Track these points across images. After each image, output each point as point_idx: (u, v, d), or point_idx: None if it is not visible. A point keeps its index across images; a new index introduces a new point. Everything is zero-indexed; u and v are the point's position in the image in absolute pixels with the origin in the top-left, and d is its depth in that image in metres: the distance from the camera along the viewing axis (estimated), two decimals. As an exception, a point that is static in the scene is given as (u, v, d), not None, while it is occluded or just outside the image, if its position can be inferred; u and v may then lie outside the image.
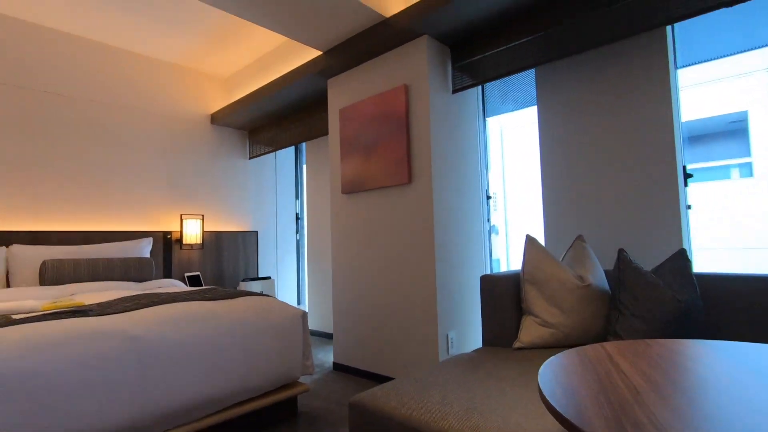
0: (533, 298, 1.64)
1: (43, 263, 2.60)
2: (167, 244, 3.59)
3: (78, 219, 3.16)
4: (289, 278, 4.60)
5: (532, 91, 2.56)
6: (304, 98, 3.50)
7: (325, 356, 3.25)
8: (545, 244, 2.39)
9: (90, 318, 1.57)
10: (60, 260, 2.65)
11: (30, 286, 2.55)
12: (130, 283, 2.80)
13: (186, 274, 3.63)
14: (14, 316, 1.66)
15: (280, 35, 3.01)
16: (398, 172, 2.52)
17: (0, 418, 1.22)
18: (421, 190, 2.44)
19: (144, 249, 3.20)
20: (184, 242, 3.61)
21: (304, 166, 4.72)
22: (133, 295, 2.08)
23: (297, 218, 4.75)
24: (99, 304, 1.86)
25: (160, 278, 3.47)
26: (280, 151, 4.52)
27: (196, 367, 1.66)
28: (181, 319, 1.69)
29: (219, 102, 4.10)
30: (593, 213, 2.19)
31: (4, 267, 2.60)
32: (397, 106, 2.53)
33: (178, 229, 3.69)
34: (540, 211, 2.48)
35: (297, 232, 4.73)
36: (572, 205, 2.27)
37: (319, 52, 2.95)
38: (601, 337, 1.57)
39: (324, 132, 3.48)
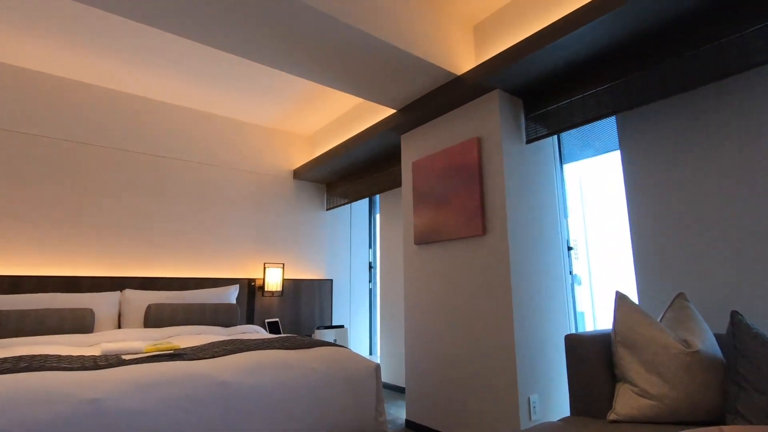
0: (628, 363, 1.48)
1: (148, 307, 2.91)
2: (251, 290, 3.84)
3: (178, 267, 3.52)
4: (362, 327, 4.62)
5: (614, 136, 2.45)
6: (379, 153, 3.68)
7: (398, 411, 3.15)
8: (639, 302, 2.17)
9: (184, 362, 1.70)
10: (161, 305, 2.95)
11: (136, 328, 2.85)
12: (218, 327, 3.01)
13: (266, 320, 3.82)
14: (124, 356, 1.85)
15: (358, 97, 3.25)
16: (471, 224, 2.50)
17: (107, 453, 1.35)
18: (496, 241, 2.39)
19: (231, 295, 3.45)
20: (266, 289, 3.83)
21: (378, 216, 4.87)
22: (222, 341, 2.23)
23: (370, 267, 4.84)
24: (192, 348, 2.02)
25: (244, 323, 3.69)
26: (354, 202, 4.72)
27: (274, 413, 1.71)
28: (262, 367, 1.77)
29: (301, 158, 4.45)
30: (696, 269, 1.97)
31: (117, 309, 2.95)
32: (470, 158, 2.56)
33: (261, 277, 3.93)
34: (628, 261, 2.29)
35: (370, 281, 4.80)
36: (669, 260, 2.07)
37: (393, 110, 3.13)
38: (717, 414, 1.35)
39: (397, 184, 3.60)
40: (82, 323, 2.58)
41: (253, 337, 2.58)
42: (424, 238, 2.82)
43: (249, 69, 3.16)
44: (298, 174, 4.31)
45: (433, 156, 2.84)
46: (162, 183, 3.55)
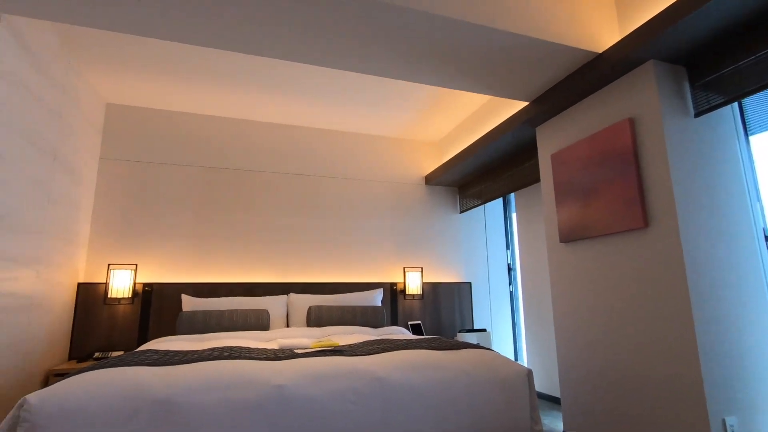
0: None
1: (309, 309, 3.29)
2: (393, 293, 4.03)
3: (329, 273, 3.90)
4: (504, 331, 4.45)
5: (827, 94, 1.92)
6: (511, 150, 3.53)
7: (552, 422, 2.94)
8: None
9: (345, 357, 1.88)
10: (320, 307, 3.30)
11: (300, 327, 3.25)
12: (367, 328, 3.24)
13: (409, 323, 3.96)
14: (296, 350, 2.13)
15: (487, 95, 3.19)
16: (628, 216, 2.21)
17: (288, 429, 1.56)
18: (663, 234, 2.07)
19: (376, 298, 3.68)
20: (407, 293, 3.99)
21: (514, 215, 4.66)
22: (373, 340, 2.40)
23: (509, 269, 4.64)
24: (350, 345, 2.22)
25: (389, 325, 3.88)
26: (488, 203, 4.61)
27: (428, 412, 1.76)
28: (416, 365, 1.85)
29: (432, 164, 4.54)
30: None
31: (286, 310, 3.40)
32: (622, 142, 2.28)
33: (402, 281, 4.11)
34: None
35: (510, 284, 4.61)
36: None
37: (525, 103, 2.98)
38: None
39: (534, 180, 3.40)
40: (261, 322, 3.05)
41: (399, 337, 2.70)
42: (570, 236, 2.60)
43: (374, 86, 3.36)
44: (430, 179, 4.39)
45: (575, 145, 2.61)
46: (312, 200, 3.99)
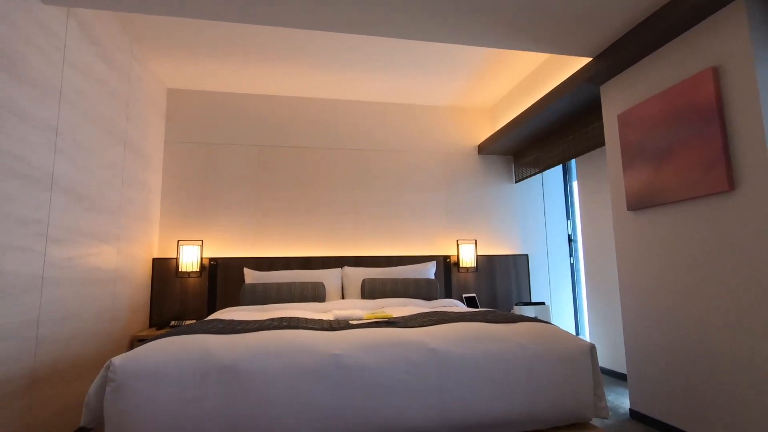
0: None
1: (363, 281, 3.35)
2: (447, 267, 3.99)
3: (382, 246, 3.93)
4: (564, 304, 4.28)
5: None
6: (572, 112, 3.28)
7: (617, 399, 2.81)
8: None
9: (399, 329, 1.89)
10: (373, 279, 3.35)
11: (354, 299, 3.32)
12: (420, 300, 3.24)
13: (464, 295, 3.92)
14: (351, 321, 2.18)
15: (542, 53, 2.96)
16: (709, 179, 1.98)
17: (345, 395, 1.61)
18: (752, 197, 1.83)
19: (430, 271, 3.66)
20: (460, 265, 3.93)
21: (575, 184, 4.38)
22: (427, 312, 2.39)
23: (570, 240, 4.41)
24: (403, 317, 2.23)
25: (443, 298, 3.87)
26: (546, 171, 4.36)
27: (485, 384, 1.74)
28: (470, 337, 1.82)
29: (484, 132, 4.35)
30: None
31: (340, 283, 3.49)
32: (702, 95, 2.03)
33: (455, 253, 4.05)
34: None
35: (570, 255, 4.39)
36: None
37: (588, 59, 2.73)
38: None
39: (597, 144, 3.15)
40: (317, 294, 3.15)
41: (453, 309, 2.68)
42: (639, 203, 2.39)
43: (422, 53, 3.23)
44: (483, 148, 4.23)
45: (645, 103, 2.36)
46: (364, 174, 4.00)
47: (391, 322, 2.05)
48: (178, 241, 3.48)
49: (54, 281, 2.07)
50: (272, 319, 2.13)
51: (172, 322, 3.25)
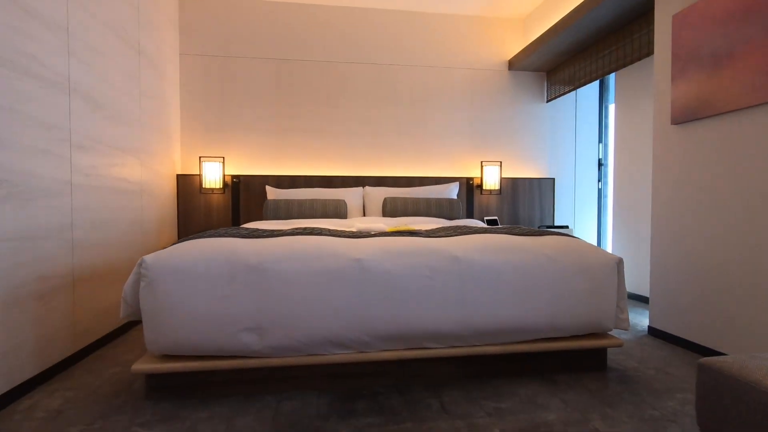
0: None
1: (385, 200, 3.33)
2: (469, 189, 3.92)
3: (403, 166, 3.85)
4: (589, 230, 4.21)
5: None
6: (614, 20, 2.95)
7: (635, 318, 2.84)
8: None
9: (421, 239, 1.88)
10: (395, 198, 3.33)
11: (376, 216, 3.33)
12: (442, 219, 3.23)
13: (485, 218, 3.88)
14: (372, 233, 2.18)
15: (592, -55, 2.59)
16: (774, 83, 1.78)
17: (367, 298, 1.64)
18: (821, 103, 1.64)
19: (452, 192, 3.61)
20: (484, 188, 3.85)
21: (611, 106, 4.10)
22: (450, 226, 2.37)
23: (599, 164, 4.23)
24: (426, 231, 2.22)
25: (465, 219, 3.85)
26: (581, 89, 4.07)
27: (507, 292, 1.75)
28: (494, 248, 1.80)
29: (516, 46, 4.02)
30: None
31: (362, 201, 3.49)
32: (780, -16, 1.75)
33: (479, 176, 3.95)
34: None
35: (599, 180, 4.23)
36: None
37: (645, -51, 2.38)
38: None
39: (642, 55, 2.86)
40: (338, 210, 3.17)
41: (477, 225, 2.65)
42: (686, 115, 2.21)
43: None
44: (513, 64, 3.93)
45: (705, 1, 2.08)
46: (387, 90, 3.81)
47: (413, 233, 2.04)
48: (200, 157, 3.47)
49: (82, 188, 2.11)
50: (296, 228, 2.15)
51: (200, 237, 3.35)
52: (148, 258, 1.59)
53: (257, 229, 2.12)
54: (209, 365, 1.60)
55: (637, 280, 3.36)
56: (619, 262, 1.88)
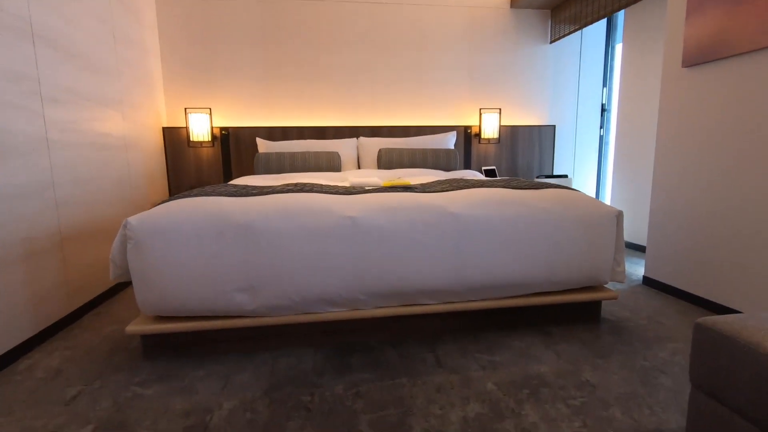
0: None
1: (380, 151, 3.23)
2: (467, 137, 3.80)
3: (399, 115, 3.70)
4: (588, 178, 4.15)
5: None
6: (633, -55, 2.69)
7: (631, 268, 2.85)
8: None
9: (416, 194, 1.81)
10: (390, 149, 3.22)
11: (371, 169, 3.24)
12: (439, 171, 3.15)
13: (483, 167, 3.80)
14: (366, 188, 2.11)
15: None
16: (799, 20, 1.63)
17: (361, 255, 1.61)
18: None
19: (449, 141, 3.49)
20: (482, 137, 3.73)
21: (618, 47, 3.87)
22: (446, 179, 2.30)
23: (603, 110, 4.07)
24: (421, 185, 2.15)
25: (462, 169, 3.76)
26: (587, 30, 3.82)
27: (504, 247, 1.71)
28: (491, 202, 1.74)
29: (520, -20, 3.72)
30: None
31: (356, 153, 3.38)
32: None
33: (477, 124, 3.81)
34: None
35: (601, 127, 4.10)
36: None
37: None
38: None
39: (658, -13, 2.64)
40: (332, 163, 3.07)
41: (474, 178, 2.58)
42: (699, 56, 2.06)
43: None
44: (516, 1, 3.65)
45: None
46: (380, 32, 3.57)
47: (408, 188, 1.97)
48: (186, 108, 3.31)
49: (60, 144, 2.00)
50: (287, 185, 2.08)
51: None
52: (133, 219, 1.53)
53: (246, 186, 2.05)
54: (204, 325, 1.60)
55: (635, 230, 3.34)
56: (619, 215, 1.83)
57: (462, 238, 1.68)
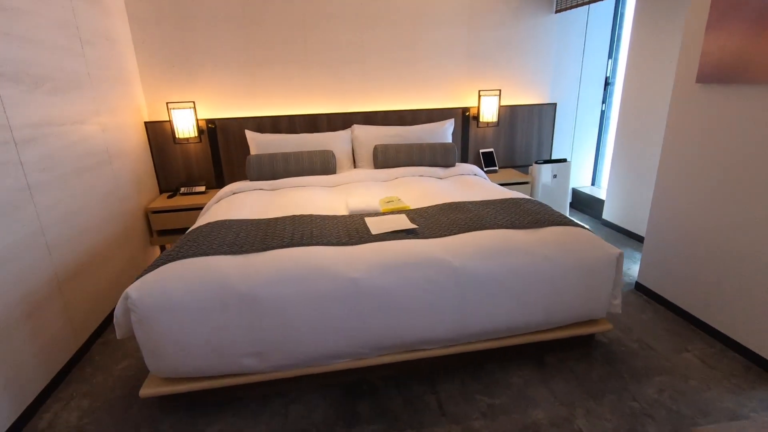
0: None
1: (375, 148, 3.11)
2: (465, 120, 3.65)
3: (394, 99, 3.51)
4: (586, 156, 4.08)
5: None
6: None
7: (626, 264, 2.89)
8: None
9: (420, 242, 1.79)
10: (386, 146, 3.10)
11: (367, 168, 3.15)
12: (437, 168, 3.07)
13: (481, 150, 3.70)
14: (366, 218, 2.07)
15: None
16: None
17: (364, 317, 1.63)
18: None
19: (447, 131, 3.36)
20: (480, 120, 3.59)
21: (628, 10, 3.60)
22: (446, 204, 2.24)
23: (606, 83, 3.89)
24: (420, 213, 2.11)
25: (460, 161, 3.67)
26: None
27: (505, 298, 1.74)
28: (494, 252, 1.73)
29: (526, -60, 3.34)
30: None
31: (350, 147, 3.25)
32: None
33: (476, 105, 3.64)
34: None
35: (603, 102, 3.94)
36: None
37: None
38: None
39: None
40: (327, 165, 2.96)
41: (474, 192, 2.54)
42: (718, 75, 1.94)
43: None
44: (522, -34, 3.32)
45: (774, -72, 1.65)
46: (371, 8, 3.26)
47: (411, 231, 1.93)
48: (168, 103, 3.10)
49: (42, 185, 1.90)
50: (283, 219, 2.03)
51: (183, 189, 3.19)
52: (133, 293, 1.51)
53: (241, 227, 2.00)
54: (215, 384, 1.65)
55: (632, 217, 3.36)
56: (619, 257, 1.84)
57: (465, 291, 1.69)
